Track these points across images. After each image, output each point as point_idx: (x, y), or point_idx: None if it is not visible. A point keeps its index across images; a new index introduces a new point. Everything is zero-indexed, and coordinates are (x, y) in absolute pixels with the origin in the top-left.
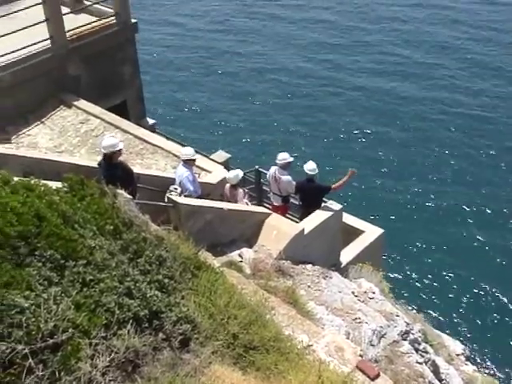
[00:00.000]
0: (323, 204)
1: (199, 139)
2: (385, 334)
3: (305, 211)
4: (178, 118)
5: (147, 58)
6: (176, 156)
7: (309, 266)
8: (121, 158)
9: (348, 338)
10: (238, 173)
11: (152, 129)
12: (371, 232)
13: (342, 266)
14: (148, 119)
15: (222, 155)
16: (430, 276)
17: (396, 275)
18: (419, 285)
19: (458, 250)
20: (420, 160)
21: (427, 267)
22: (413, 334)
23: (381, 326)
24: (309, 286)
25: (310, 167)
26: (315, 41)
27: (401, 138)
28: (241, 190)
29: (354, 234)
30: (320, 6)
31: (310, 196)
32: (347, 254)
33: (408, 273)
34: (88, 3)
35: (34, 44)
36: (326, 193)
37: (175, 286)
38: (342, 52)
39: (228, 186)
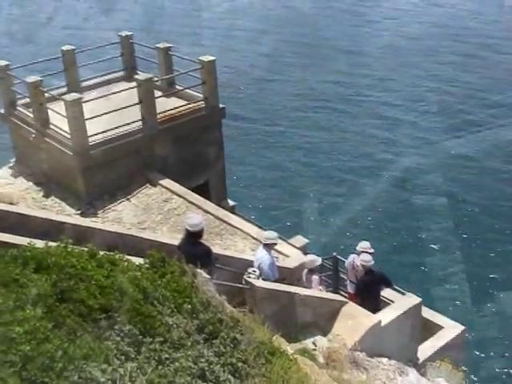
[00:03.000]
0: (401, 295)
1: (277, 223)
2: None
3: (368, 308)
4: (258, 201)
5: (232, 139)
6: (254, 238)
7: (384, 360)
8: None
9: None
10: (314, 258)
11: (232, 210)
12: (451, 328)
13: (420, 362)
14: (229, 200)
15: (300, 240)
16: None
17: (478, 375)
18: None
19: None
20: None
21: None
22: None
23: None
24: (384, 382)
25: (367, 258)
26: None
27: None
28: (315, 277)
29: (432, 328)
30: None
31: (371, 288)
32: (425, 350)
33: (491, 373)
34: (180, 88)
35: (127, 124)
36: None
37: (248, 371)
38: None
39: (306, 270)
